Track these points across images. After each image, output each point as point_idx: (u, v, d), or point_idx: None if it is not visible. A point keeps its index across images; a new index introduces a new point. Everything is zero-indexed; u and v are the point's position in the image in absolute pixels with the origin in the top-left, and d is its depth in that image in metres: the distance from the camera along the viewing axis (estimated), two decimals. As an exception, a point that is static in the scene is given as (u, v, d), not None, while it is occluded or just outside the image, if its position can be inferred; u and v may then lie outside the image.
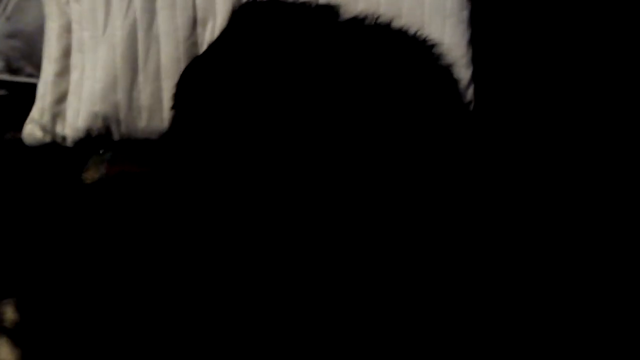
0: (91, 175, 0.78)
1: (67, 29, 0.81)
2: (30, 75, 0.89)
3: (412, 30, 0.75)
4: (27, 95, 0.84)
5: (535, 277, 0.63)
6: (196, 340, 0.56)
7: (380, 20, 0.75)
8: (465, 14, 0.81)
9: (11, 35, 0.91)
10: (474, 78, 0.81)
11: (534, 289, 0.62)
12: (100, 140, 0.81)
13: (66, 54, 0.81)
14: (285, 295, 0.57)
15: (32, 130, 0.81)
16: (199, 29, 0.80)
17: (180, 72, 0.77)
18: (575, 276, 0.64)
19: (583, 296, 0.62)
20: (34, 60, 0.88)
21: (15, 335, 0.58)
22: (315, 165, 0.64)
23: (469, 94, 0.81)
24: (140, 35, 0.78)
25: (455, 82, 0.77)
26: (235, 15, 0.76)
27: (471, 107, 0.81)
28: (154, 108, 0.80)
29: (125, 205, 0.69)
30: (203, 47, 0.80)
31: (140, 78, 0.79)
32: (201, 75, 0.75)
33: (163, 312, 0.58)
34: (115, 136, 0.81)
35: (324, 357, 0.54)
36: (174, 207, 0.66)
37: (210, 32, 0.80)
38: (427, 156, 0.68)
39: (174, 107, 0.76)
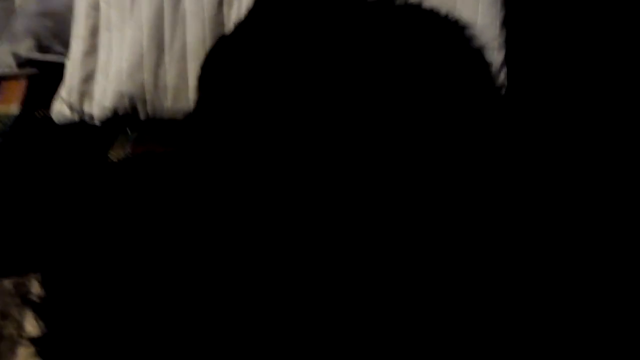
0: (117, 153, 0.79)
1: (95, 7, 0.81)
2: (60, 54, 0.90)
3: (443, 11, 0.73)
4: (57, 73, 0.85)
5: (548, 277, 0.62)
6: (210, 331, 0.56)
7: (410, 0, 0.73)
8: (499, -7, 0.78)
9: (42, 14, 0.92)
10: (507, 61, 0.79)
11: (542, 288, 0.60)
12: (126, 119, 0.82)
13: (94, 32, 0.82)
14: (290, 294, 0.56)
15: (61, 108, 0.82)
16: (225, 9, 0.79)
17: (206, 52, 0.77)
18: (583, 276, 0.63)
19: (583, 296, 0.60)
20: (64, 39, 0.89)
21: (39, 309, 0.59)
22: (343, 147, 0.63)
23: (501, 77, 0.78)
24: (167, 14, 0.78)
25: (487, 65, 0.75)
26: (262, -6, 0.75)
27: (503, 91, 0.78)
28: (180, 88, 0.80)
29: (149, 184, 0.69)
30: (229, 26, 0.79)
31: (167, 58, 0.79)
32: (227, 55, 0.74)
33: (185, 292, 0.58)
34: (142, 115, 0.81)
35: (324, 357, 0.54)
36: (197, 188, 0.66)
37: (236, 11, 0.79)
38: (457, 142, 0.66)
39: (199, 88, 0.76)
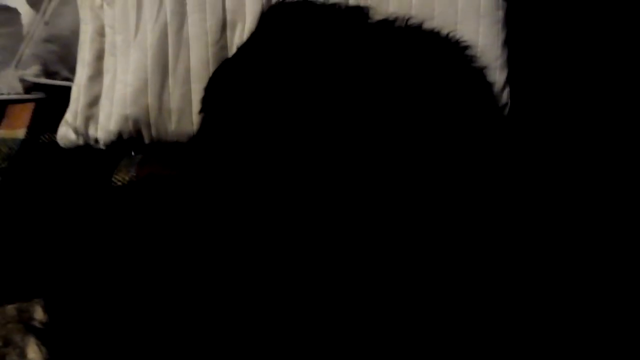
0: (122, 177, 0.79)
1: (100, 33, 0.82)
2: (66, 79, 0.91)
3: (444, 32, 0.73)
4: (63, 98, 0.86)
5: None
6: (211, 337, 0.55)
7: (411, 21, 0.73)
8: (500, 13, 0.78)
9: (49, 40, 0.93)
10: (510, 80, 0.78)
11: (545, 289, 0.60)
12: (131, 142, 0.82)
13: (99, 57, 0.82)
14: (296, 295, 0.56)
15: (66, 132, 0.83)
16: (228, 32, 0.80)
17: (210, 76, 0.77)
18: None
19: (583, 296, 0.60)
20: (70, 64, 0.90)
21: (42, 335, 0.59)
22: (345, 169, 0.63)
23: (504, 97, 0.78)
24: (171, 38, 0.79)
25: (489, 85, 0.75)
26: (264, 18, 0.76)
27: (506, 110, 0.78)
28: (184, 111, 0.80)
29: (154, 207, 0.69)
30: (232, 50, 0.80)
31: (170, 81, 0.79)
32: (230, 78, 0.74)
33: (190, 315, 0.58)
34: (146, 139, 0.81)
35: (324, 357, 0.53)
36: (202, 211, 0.66)
37: (239, 35, 0.80)
38: (460, 161, 0.66)
39: (202, 111, 0.76)
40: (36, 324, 0.60)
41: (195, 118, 0.80)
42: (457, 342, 0.55)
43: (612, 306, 0.60)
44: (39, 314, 0.62)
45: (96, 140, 0.82)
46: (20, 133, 0.85)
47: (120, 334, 0.58)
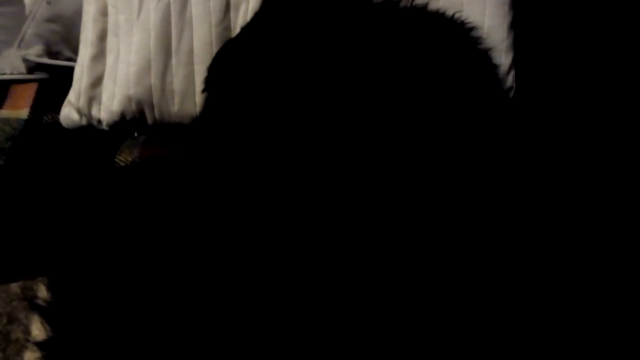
0: (124, 158, 0.79)
1: (103, 13, 0.82)
2: (69, 59, 0.91)
3: (450, 13, 0.73)
4: (66, 78, 0.86)
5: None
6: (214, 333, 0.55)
7: (416, 2, 0.72)
8: (507, -5, 0.77)
9: (51, 19, 0.93)
10: (516, 63, 0.78)
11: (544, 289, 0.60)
12: (134, 123, 0.82)
13: (102, 37, 0.82)
14: (296, 294, 0.56)
15: (69, 113, 0.83)
16: (232, 13, 0.79)
17: (213, 56, 0.77)
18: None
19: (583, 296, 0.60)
20: (73, 44, 0.89)
21: (46, 313, 0.59)
22: (348, 150, 0.63)
23: (510, 80, 0.77)
24: (174, 18, 0.78)
25: (494, 67, 0.74)
26: (268, -2, 0.75)
27: (511, 93, 0.78)
28: (187, 92, 0.80)
29: (157, 188, 0.69)
30: (235, 31, 0.79)
31: (173, 62, 0.79)
32: (233, 59, 0.74)
33: (192, 296, 0.58)
34: (149, 120, 0.81)
35: (324, 357, 0.53)
36: (204, 192, 0.66)
37: (242, 15, 0.79)
38: (464, 145, 0.65)
39: (205, 91, 0.76)
40: (40, 301, 0.61)
41: (198, 100, 0.80)
42: (457, 342, 0.55)
43: (612, 306, 0.60)
44: (42, 291, 0.62)
45: (99, 121, 0.82)
46: (24, 113, 0.85)
47: (123, 312, 0.58)
